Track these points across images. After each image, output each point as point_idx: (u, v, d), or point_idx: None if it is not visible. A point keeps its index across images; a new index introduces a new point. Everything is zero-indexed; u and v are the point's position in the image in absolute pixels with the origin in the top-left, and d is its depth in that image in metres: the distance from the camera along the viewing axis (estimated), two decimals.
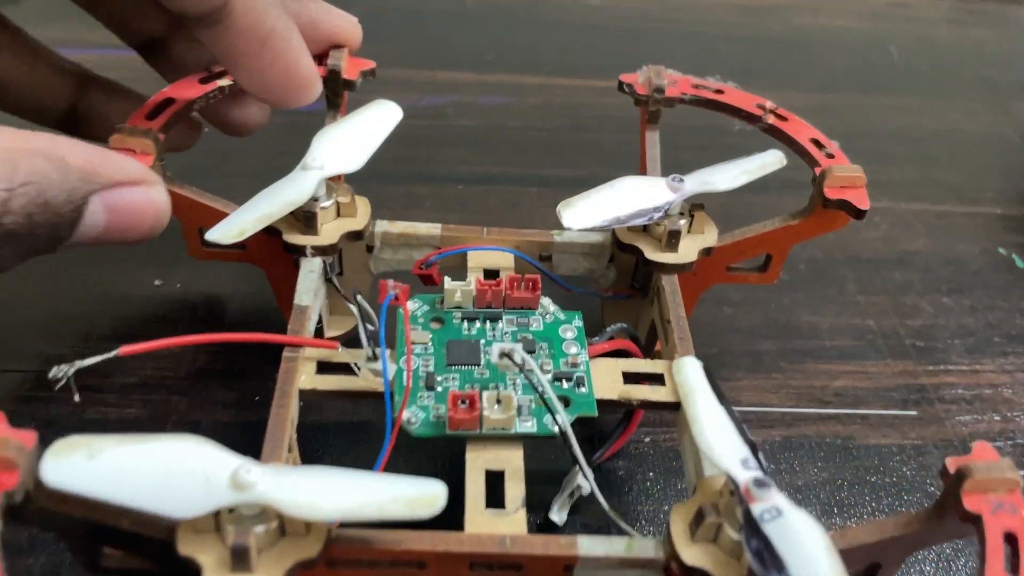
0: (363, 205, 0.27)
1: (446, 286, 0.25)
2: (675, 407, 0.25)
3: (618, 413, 0.27)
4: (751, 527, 0.19)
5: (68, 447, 0.18)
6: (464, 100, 0.45)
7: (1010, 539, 0.19)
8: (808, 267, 0.37)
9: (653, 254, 0.27)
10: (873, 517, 0.28)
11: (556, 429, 0.23)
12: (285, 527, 0.19)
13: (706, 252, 0.28)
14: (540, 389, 0.22)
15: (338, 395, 0.24)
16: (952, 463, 0.20)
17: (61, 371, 0.21)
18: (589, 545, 0.20)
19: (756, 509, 0.19)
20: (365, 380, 0.23)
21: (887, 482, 0.29)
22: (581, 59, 0.39)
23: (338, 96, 0.30)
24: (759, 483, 0.19)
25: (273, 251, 0.27)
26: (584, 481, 0.24)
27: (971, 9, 0.58)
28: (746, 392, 0.32)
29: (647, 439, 0.29)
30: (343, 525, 0.20)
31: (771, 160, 0.28)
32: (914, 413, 0.31)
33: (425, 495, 0.19)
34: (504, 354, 0.23)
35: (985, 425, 0.31)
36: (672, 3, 0.54)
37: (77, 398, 0.21)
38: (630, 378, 0.25)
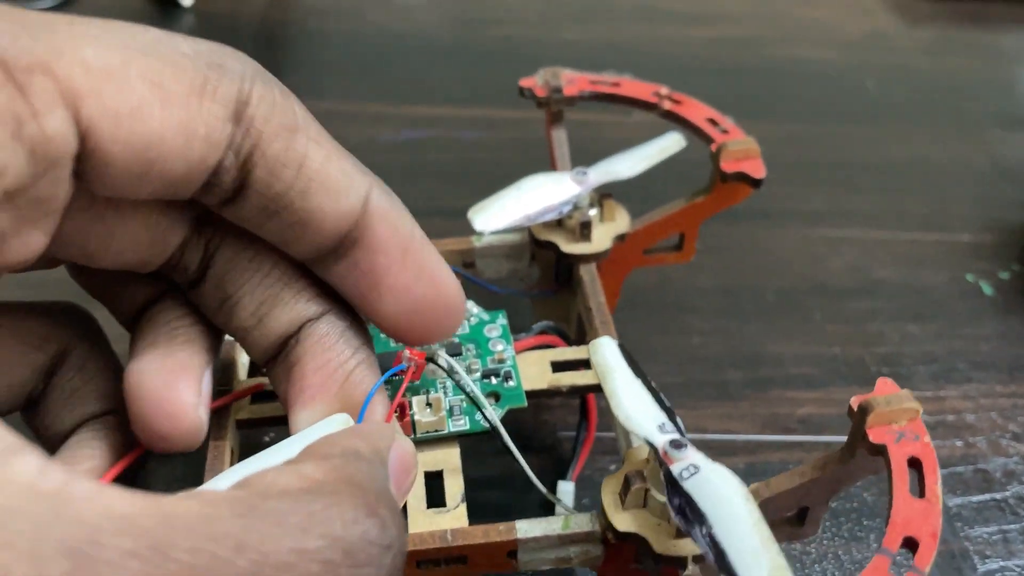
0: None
1: None
2: (600, 388, 0.26)
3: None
4: (672, 486, 0.20)
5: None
6: (441, 134, 0.45)
7: (914, 463, 0.20)
8: (775, 297, 0.38)
9: (568, 246, 0.28)
10: (832, 542, 0.28)
11: (487, 424, 0.23)
12: None
13: (620, 239, 0.29)
14: (468, 389, 0.23)
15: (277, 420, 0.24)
16: (855, 400, 0.21)
17: None
18: (528, 528, 0.21)
19: (675, 468, 0.20)
20: None
21: (848, 507, 0.29)
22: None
23: None
24: (675, 444, 0.20)
25: None
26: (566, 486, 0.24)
27: (949, 38, 0.57)
28: (711, 420, 0.32)
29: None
30: None
31: (670, 143, 0.29)
32: None
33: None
34: (429, 358, 0.24)
35: (947, 451, 0.31)
36: (645, 36, 0.55)
37: None
38: (558, 367, 0.26)
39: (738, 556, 0.18)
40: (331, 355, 0.21)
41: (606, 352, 0.23)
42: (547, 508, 0.27)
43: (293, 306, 0.21)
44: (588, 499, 0.28)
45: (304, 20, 0.53)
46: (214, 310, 0.21)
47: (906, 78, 0.53)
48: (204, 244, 0.20)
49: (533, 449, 0.30)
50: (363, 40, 0.52)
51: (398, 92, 0.48)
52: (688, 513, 0.19)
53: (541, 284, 0.31)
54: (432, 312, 0.21)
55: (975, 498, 0.30)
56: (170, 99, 0.17)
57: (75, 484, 0.11)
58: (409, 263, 0.20)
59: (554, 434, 0.31)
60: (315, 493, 0.14)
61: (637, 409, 0.21)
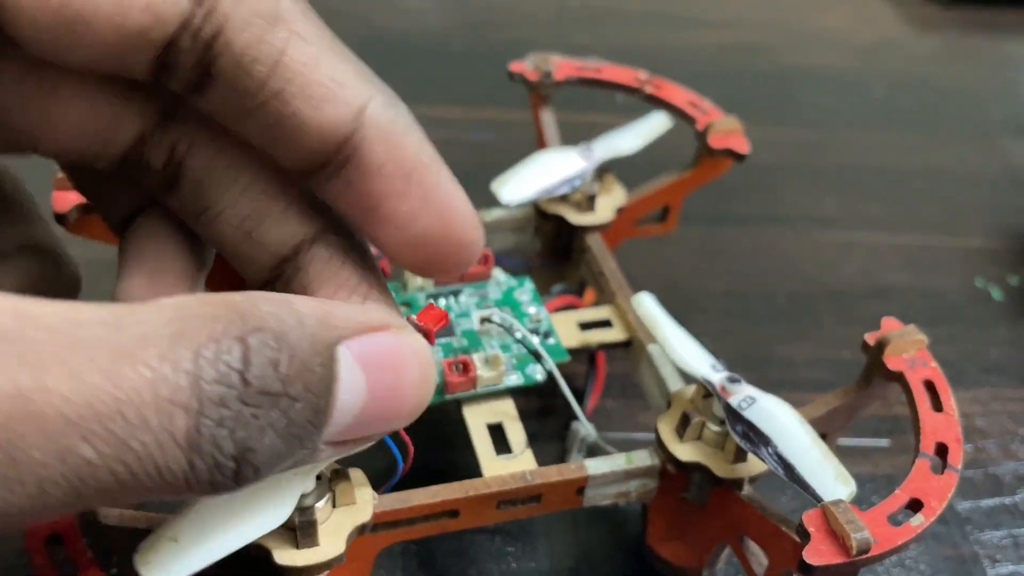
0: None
1: (407, 272, 0.28)
2: (628, 344, 0.28)
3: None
4: (733, 416, 0.22)
5: (151, 549, 0.17)
6: (451, 136, 0.45)
7: (929, 385, 0.23)
8: (786, 300, 0.38)
9: (576, 218, 0.30)
10: None
11: (539, 377, 0.25)
12: (336, 500, 0.21)
13: (619, 210, 0.31)
14: (525, 340, 0.25)
15: None
16: (871, 337, 0.24)
17: None
18: (596, 465, 0.23)
19: (734, 401, 0.23)
20: None
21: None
22: (566, 95, 0.37)
23: None
24: (732, 379, 0.23)
25: None
26: (583, 428, 0.26)
27: (960, 46, 0.58)
28: None
29: None
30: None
31: (659, 122, 0.32)
32: (886, 443, 0.32)
33: None
34: (485, 319, 0.25)
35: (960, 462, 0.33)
36: (656, 40, 0.55)
37: None
38: (584, 326, 0.28)
39: (806, 468, 0.21)
40: (335, 284, 0.18)
41: (649, 304, 0.25)
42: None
43: (283, 223, 0.19)
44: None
45: None
46: (196, 221, 0.19)
47: (916, 85, 0.54)
48: (170, 143, 0.18)
49: (544, 437, 0.30)
50: (372, 42, 0.51)
51: (407, 94, 0.46)
52: (752, 437, 0.22)
53: (542, 255, 0.33)
54: (441, 246, 0.18)
55: (985, 502, 0.30)
56: None
57: None
58: (413, 190, 0.18)
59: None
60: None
61: (690, 352, 0.24)
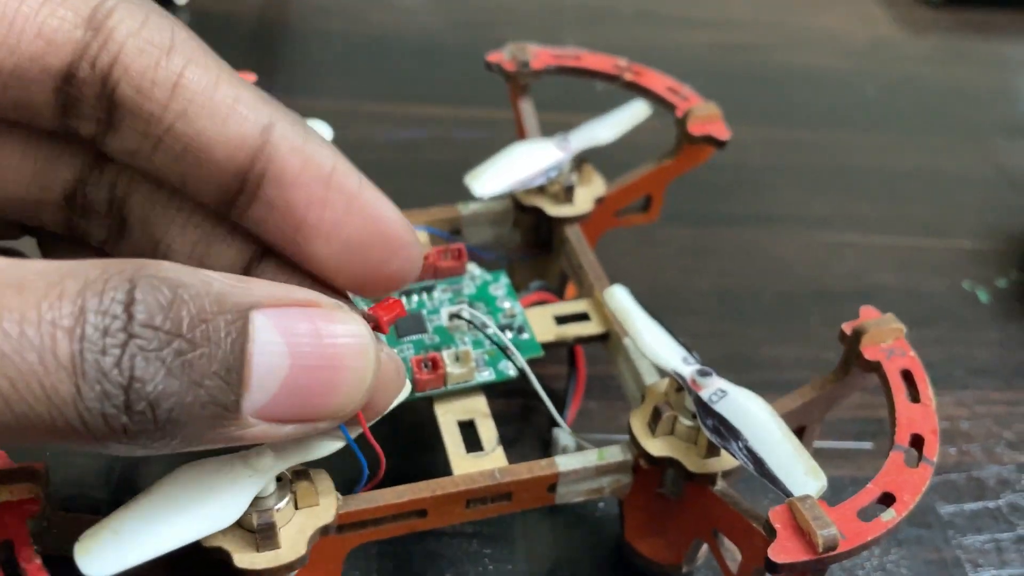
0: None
1: None
2: (605, 338, 0.28)
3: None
4: (704, 409, 0.22)
5: (91, 538, 0.17)
6: (439, 134, 0.45)
7: (906, 375, 0.23)
8: (773, 300, 0.37)
9: (553, 209, 0.30)
10: None
11: (511, 372, 0.25)
12: (298, 501, 0.21)
13: (599, 201, 0.31)
14: (495, 336, 0.25)
15: None
16: (847, 326, 0.24)
17: None
18: (567, 462, 0.23)
19: (704, 394, 0.22)
20: None
21: None
22: (557, 94, 0.37)
23: None
24: (702, 372, 0.22)
25: None
26: (564, 435, 0.26)
27: (952, 47, 0.58)
28: None
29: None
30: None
31: (638, 110, 0.32)
32: (869, 445, 0.32)
33: None
34: (454, 315, 0.25)
35: (940, 458, 0.31)
36: (648, 40, 0.55)
37: None
38: (561, 320, 0.28)
39: (776, 462, 0.21)
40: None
41: (620, 297, 0.25)
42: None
43: (231, 243, 0.19)
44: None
45: (303, 19, 0.52)
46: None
47: (910, 86, 0.54)
48: (109, 183, 0.19)
49: (525, 439, 0.31)
50: (363, 40, 0.51)
51: (397, 92, 0.47)
52: (723, 431, 0.21)
53: (522, 248, 0.32)
54: (373, 251, 0.18)
55: (968, 506, 0.30)
56: None
57: None
58: (334, 195, 0.18)
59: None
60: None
61: (661, 345, 0.23)
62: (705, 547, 0.25)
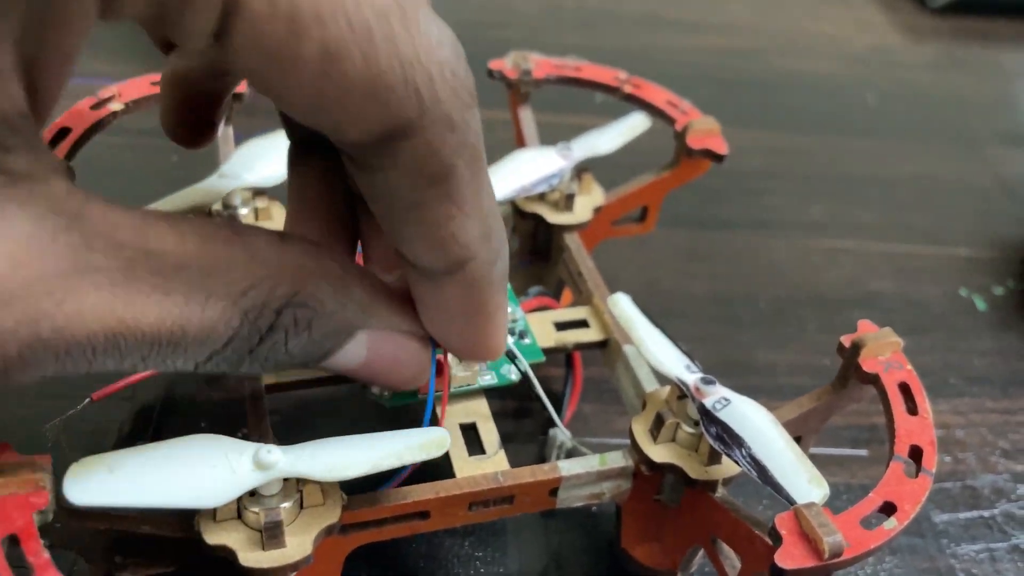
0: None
1: None
2: (603, 344, 0.28)
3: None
4: (707, 417, 0.22)
5: (86, 466, 0.18)
6: None
7: (904, 388, 0.23)
8: (769, 306, 0.38)
9: (554, 217, 0.30)
10: None
11: (513, 377, 0.25)
12: (303, 501, 0.20)
13: (597, 210, 0.31)
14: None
15: (300, 384, 0.25)
16: (847, 339, 0.24)
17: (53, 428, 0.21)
18: (569, 467, 0.23)
19: (708, 402, 0.22)
20: None
21: None
22: (556, 97, 0.37)
23: (231, 108, 0.31)
24: (706, 380, 0.23)
25: None
26: (561, 434, 0.26)
27: (952, 55, 0.58)
28: None
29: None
30: (350, 491, 0.21)
31: (638, 122, 0.32)
32: (864, 453, 0.32)
33: (433, 439, 0.21)
34: None
35: (935, 467, 0.33)
36: (649, 44, 0.55)
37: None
38: (560, 326, 0.28)
39: (779, 470, 0.21)
40: None
41: (624, 305, 0.25)
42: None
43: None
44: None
45: None
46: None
47: (909, 93, 0.54)
48: None
49: (520, 439, 0.31)
50: None
51: None
52: (726, 439, 0.22)
53: (520, 255, 0.32)
54: (464, 351, 0.21)
55: (963, 515, 0.30)
56: None
57: (91, 204, 0.15)
58: (471, 324, 0.20)
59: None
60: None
61: (665, 353, 0.24)
62: (700, 554, 0.26)
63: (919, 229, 0.43)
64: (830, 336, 0.33)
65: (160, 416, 0.30)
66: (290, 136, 0.22)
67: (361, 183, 0.18)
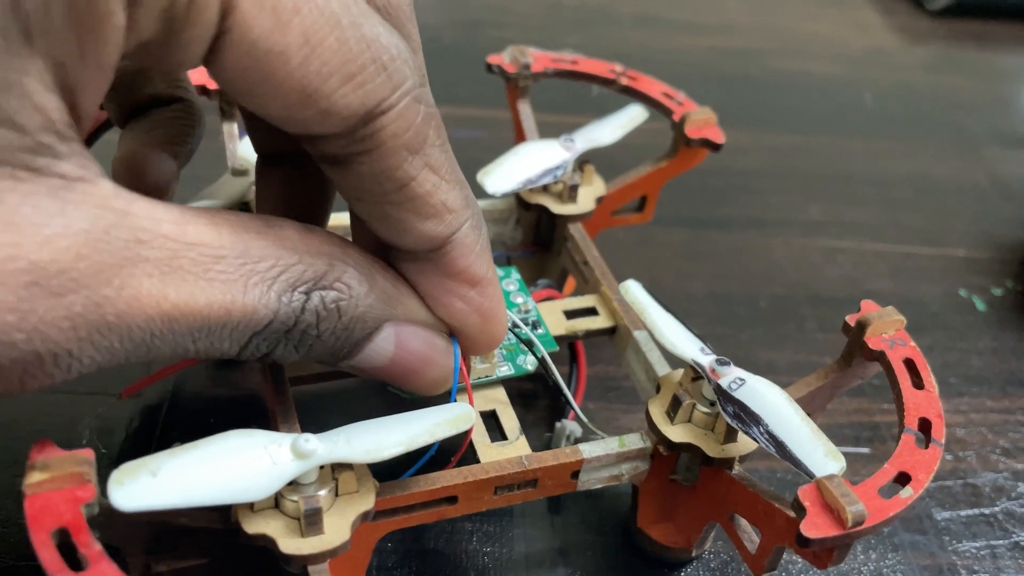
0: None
1: None
2: (612, 331, 0.29)
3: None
4: (724, 397, 0.23)
5: (129, 472, 0.18)
6: None
7: (908, 364, 0.24)
8: (768, 305, 0.38)
9: (558, 208, 0.31)
10: None
11: (530, 367, 0.26)
12: (339, 488, 0.21)
13: (599, 200, 0.32)
14: (521, 334, 0.25)
15: (323, 376, 0.26)
16: (852, 318, 0.25)
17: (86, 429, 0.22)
18: (590, 450, 0.24)
19: (724, 382, 0.23)
20: None
21: None
22: (555, 96, 0.38)
23: (232, 106, 0.31)
24: (720, 362, 0.23)
25: None
26: (569, 424, 0.27)
27: (948, 56, 0.59)
28: None
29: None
30: (382, 478, 0.22)
31: (636, 113, 0.33)
32: (867, 450, 0.32)
33: (460, 414, 0.21)
34: None
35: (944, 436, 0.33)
36: (647, 44, 0.55)
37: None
38: (569, 315, 0.28)
39: (797, 445, 0.22)
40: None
41: (636, 291, 0.26)
42: None
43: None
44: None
45: None
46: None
47: (906, 94, 0.55)
48: None
49: (527, 425, 0.31)
50: None
51: None
52: (743, 417, 0.22)
53: (523, 246, 0.33)
54: (475, 337, 0.22)
55: (964, 512, 0.31)
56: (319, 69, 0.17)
57: (135, 202, 0.17)
58: (472, 298, 0.21)
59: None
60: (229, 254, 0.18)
61: (679, 336, 0.24)
62: (713, 532, 0.27)
63: (916, 229, 0.44)
64: (829, 335, 0.33)
65: (168, 413, 0.30)
66: (258, 150, 0.24)
67: (344, 183, 0.19)
